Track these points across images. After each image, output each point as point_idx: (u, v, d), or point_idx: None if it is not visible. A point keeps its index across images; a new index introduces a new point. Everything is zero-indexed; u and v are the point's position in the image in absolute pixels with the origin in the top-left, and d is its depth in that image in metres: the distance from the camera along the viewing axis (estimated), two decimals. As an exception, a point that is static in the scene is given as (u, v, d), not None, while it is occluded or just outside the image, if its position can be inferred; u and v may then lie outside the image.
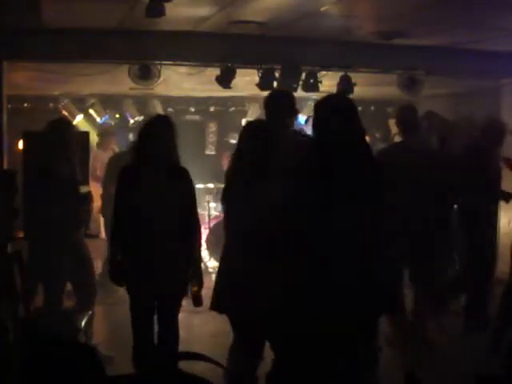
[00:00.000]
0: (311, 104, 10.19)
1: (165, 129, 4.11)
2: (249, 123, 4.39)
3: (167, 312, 4.25)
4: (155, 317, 4.23)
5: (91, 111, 9.90)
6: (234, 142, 11.25)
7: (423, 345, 5.43)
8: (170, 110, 10.46)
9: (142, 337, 4.18)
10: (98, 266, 6.28)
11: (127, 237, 4.13)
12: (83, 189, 5.56)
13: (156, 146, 4.06)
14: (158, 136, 4.07)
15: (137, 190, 4.07)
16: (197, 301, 4.20)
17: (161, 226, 4.04)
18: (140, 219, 4.05)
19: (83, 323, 4.80)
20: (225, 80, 7.02)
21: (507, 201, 6.38)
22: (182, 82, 8.40)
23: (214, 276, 8.56)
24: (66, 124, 5.65)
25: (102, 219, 7.81)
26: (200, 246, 4.53)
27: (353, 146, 3.18)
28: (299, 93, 7.36)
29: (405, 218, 5.00)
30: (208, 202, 9.59)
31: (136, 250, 4.10)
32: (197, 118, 11.07)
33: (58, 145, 5.22)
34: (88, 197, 5.57)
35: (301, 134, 5.10)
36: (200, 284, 4.21)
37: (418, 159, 5.34)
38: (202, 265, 8.94)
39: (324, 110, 3.31)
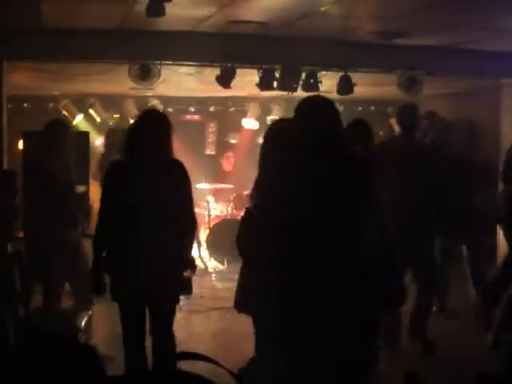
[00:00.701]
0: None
1: (155, 123, 3.91)
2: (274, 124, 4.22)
3: (161, 321, 3.98)
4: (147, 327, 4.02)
5: (91, 111, 9.90)
6: (234, 141, 11.29)
7: (423, 344, 5.44)
8: (169, 109, 10.47)
9: (133, 350, 3.96)
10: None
11: (114, 239, 3.87)
12: (80, 189, 5.56)
13: (145, 141, 3.85)
14: (148, 131, 3.87)
15: (126, 186, 3.81)
16: (187, 287, 3.99)
17: (153, 224, 3.78)
18: (129, 218, 3.78)
19: (83, 323, 4.80)
20: (225, 80, 7.02)
21: None
22: (182, 82, 8.40)
23: (214, 276, 8.66)
24: (63, 124, 5.65)
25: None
26: (194, 241, 4.32)
27: (334, 146, 3.19)
28: (299, 93, 7.36)
29: (404, 218, 5.00)
30: (208, 202, 9.59)
31: (125, 252, 3.83)
32: (197, 117, 11.07)
33: (54, 145, 5.22)
34: (84, 197, 5.57)
35: None
36: (193, 270, 4.01)
37: (417, 157, 5.35)
38: (202, 264, 9.00)
39: (304, 110, 3.32)
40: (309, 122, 3.27)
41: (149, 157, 3.84)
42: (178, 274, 3.92)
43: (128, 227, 3.78)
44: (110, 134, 8.08)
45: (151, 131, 3.86)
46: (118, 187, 3.84)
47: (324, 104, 3.35)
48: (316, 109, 3.32)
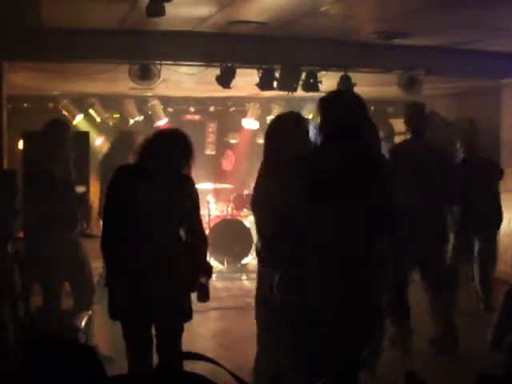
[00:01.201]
0: (311, 104, 10.20)
1: (178, 150, 3.71)
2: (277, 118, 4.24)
3: (169, 341, 3.76)
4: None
5: (91, 111, 9.90)
6: (234, 141, 11.28)
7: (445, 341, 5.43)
8: (169, 109, 10.47)
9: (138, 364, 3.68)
10: (98, 266, 6.28)
11: (121, 252, 3.63)
12: (80, 189, 5.55)
13: (163, 162, 3.68)
14: (168, 156, 3.69)
15: (133, 196, 3.61)
16: (204, 293, 3.79)
17: (159, 237, 3.64)
18: (135, 229, 3.60)
19: (83, 323, 4.80)
20: (225, 80, 7.02)
21: None
22: (182, 82, 8.40)
23: (214, 276, 8.65)
24: (63, 124, 5.64)
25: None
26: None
27: (360, 145, 3.16)
28: (299, 93, 7.36)
29: (415, 218, 4.97)
30: (208, 202, 9.59)
31: (132, 268, 3.60)
32: (197, 118, 11.07)
33: (54, 145, 5.22)
34: (84, 197, 5.56)
35: None
36: (209, 275, 3.87)
37: (429, 158, 5.31)
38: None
39: (334, 105, 3.27)
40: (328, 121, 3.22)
41: (161, 171, 3.69)
42: (185, 292, 3.79)
43: (133, 239, 3.61)
44: (121, 137, 7.79)
45: (172, 157, 3.70)
46: (124, 196, 3.64)
47: (336, 99, 3.30)
48: (328, 107, 3.27)
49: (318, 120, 3.36)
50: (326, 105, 3.28)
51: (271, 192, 3.72)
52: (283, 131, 4.09)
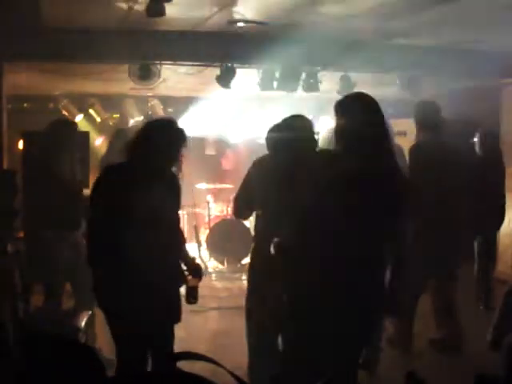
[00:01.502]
0: (311, 104, 10.19)
1: (171, 139, 3.61)
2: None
3: (163, 346, 3.70)
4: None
5: (91, 111, 9.90)
6: (233, 142, 11.28)
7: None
8: (169, 110, 10.46)
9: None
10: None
11: (111, 252, 3.48)
12: (86, 192, 5.54)
13: (155, 156, 3.58)
14: (162, 148, 3.59)
15: (121, 196, 3.49)
16: (192, 295, 3.74)
17: (150, 238, 3.53)
18: (124, 231, 3.46)
19: (83, 323, 4.79)
20: (225, 80, 7.02)
21: None
22: (182, 82, 8.40)
23: (214, 276, 8.66)
24: (69, 124, 5.63)
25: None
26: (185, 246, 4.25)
27: (377, 154, 3.14)
28: (299, 93, 7.36)
29: (432, 223, 4.94)
30: (208, 202, 9.59)
31: (125, 267, 3.47)
32: (197, 118, 11.07)
33: (59, 145, 5.21)
34: (87, 198, 5.56)
35: None
36: (198, 277, 3.81)
37: (448, 156, 5.27)
38: (202, 265, 8.99)
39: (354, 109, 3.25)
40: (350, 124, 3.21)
41: (154, 170, 3.60)
42: (177, 293, 3.76)
43: (124, 241, 3.47)
44: (117, 135, 7.73)
45: (165, 149, 3.60)
46: (112, 197, 3.52)
47: (355, 102, 3.28)
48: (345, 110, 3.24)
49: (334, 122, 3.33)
50: (345, 107, 3.26)
51: (278, 193, 3.72)
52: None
